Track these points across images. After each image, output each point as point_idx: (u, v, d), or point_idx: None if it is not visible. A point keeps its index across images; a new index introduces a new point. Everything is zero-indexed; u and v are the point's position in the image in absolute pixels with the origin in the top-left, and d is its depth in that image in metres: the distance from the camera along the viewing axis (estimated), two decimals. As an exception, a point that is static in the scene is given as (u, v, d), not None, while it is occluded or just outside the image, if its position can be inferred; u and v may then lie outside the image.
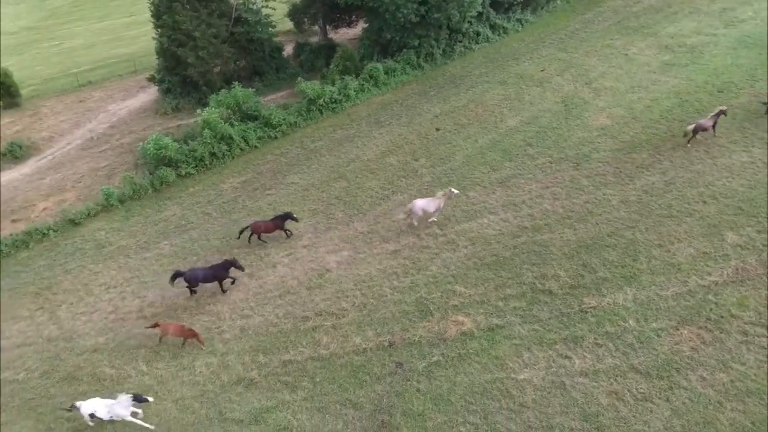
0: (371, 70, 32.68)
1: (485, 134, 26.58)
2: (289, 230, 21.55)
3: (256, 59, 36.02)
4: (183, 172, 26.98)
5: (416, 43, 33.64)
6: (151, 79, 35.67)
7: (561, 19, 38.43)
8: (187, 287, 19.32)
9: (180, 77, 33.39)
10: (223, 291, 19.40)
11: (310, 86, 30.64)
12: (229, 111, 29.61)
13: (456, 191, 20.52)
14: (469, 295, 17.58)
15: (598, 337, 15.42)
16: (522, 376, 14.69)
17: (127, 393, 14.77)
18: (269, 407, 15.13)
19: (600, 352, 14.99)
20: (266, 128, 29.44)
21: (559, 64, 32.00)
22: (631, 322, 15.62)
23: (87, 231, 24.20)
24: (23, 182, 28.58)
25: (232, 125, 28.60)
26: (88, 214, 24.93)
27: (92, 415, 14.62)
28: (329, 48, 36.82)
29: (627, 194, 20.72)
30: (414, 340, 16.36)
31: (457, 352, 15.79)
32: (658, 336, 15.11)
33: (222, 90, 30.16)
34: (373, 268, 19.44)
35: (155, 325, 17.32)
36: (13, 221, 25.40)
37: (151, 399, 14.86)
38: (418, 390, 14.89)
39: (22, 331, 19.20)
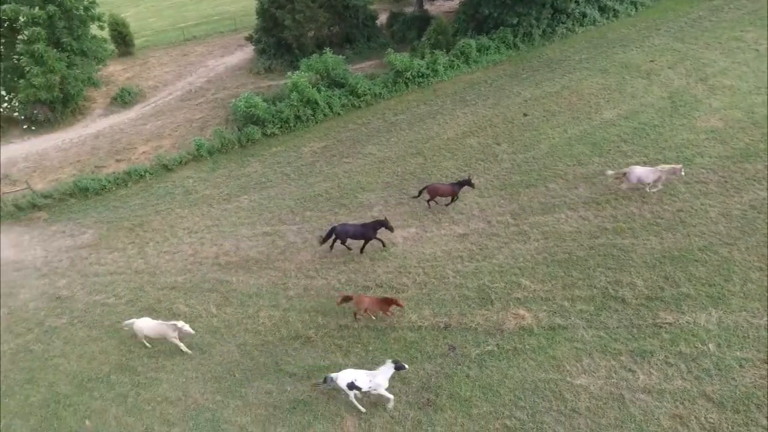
0: (463, 46, 31.73)
1: (576, 125, 25.07)
2: (457, 196, 20.86)
3: (350, 26, 36.21)
4: (268, 132, 28.07)
5: (515, 21, 32.07)
6: (249, 39, 37.09)
7: (683, 5, 34.79)
8: (333, 242, 19.35)
9: (275, 39, 34.43)
10: (362, 251, 19.30)
11: (399, 58, 30.38)
12: (318, 76, 30.18)
13: (683, 172, 19.03)
14: (534, 290, 16.98)
15: (670, 355, 14.33)
16: (578, 381, 14.07)
17: (389, 361, 13.78)
18: (322, 366, 15.70)
19: (669, 372, 13.96)
20: (351, 96, 29.73)
21: (673, 55, 29.18)
22: (711, 346, 14.34)
23: (177, 177, 26.03)
24: (128, 126, 31.16)
25: (319, 90, 29.17)
26: (180, 161, 26.78)
27: (351, 386, 13.67)
28: (423, 20, 36.14)
29: (729, 207, 18.76)
30: (470, 327, 16.16)
31: (513, 346, 15.40)
32: (741, 366, 13.76)
33: (313, 55, 30.73)
34: (439, 248, 19.28)
35: (347, 299, 16.31)
36: (117, 161, 27.90)
37: (407, 366, 14.00)
38: (467, 376, 14.76)
39: (115, 260, 21.25)
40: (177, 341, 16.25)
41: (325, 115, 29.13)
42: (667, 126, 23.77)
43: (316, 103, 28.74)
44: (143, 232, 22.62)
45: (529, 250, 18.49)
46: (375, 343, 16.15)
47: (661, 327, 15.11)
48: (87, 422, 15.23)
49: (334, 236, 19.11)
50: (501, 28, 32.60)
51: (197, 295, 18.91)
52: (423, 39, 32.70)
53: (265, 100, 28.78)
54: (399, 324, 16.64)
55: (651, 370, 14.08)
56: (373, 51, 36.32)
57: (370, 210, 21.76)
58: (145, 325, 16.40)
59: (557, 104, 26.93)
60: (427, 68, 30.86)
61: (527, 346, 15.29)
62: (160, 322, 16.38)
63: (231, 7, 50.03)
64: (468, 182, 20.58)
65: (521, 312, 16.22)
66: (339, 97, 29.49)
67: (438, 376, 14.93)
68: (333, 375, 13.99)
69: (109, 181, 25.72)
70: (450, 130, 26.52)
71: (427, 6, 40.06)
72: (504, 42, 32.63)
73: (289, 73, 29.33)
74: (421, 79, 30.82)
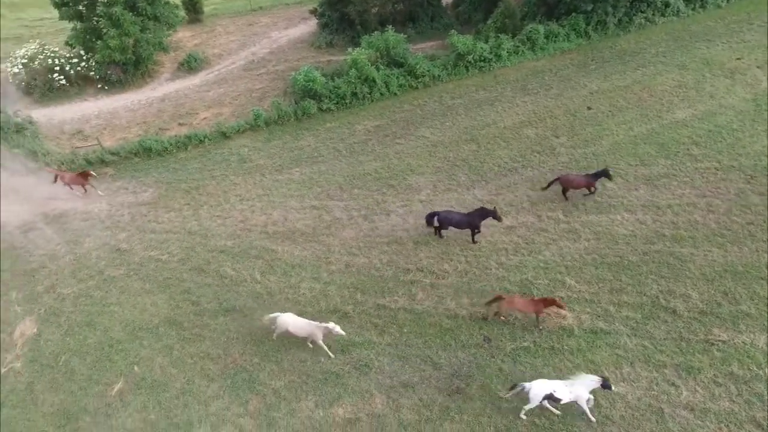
0: (530, 31, 30.50)
1: (644, 123, 23.70)
2: (595, 187, 19.71)
3: (414, 4, 35.56)
4: (324, 107, 28.30)
5: (589, 7, 30.39)
6: (313, 12, 37.25)
7: (781, -2, 31.75)
8: (435, 228, 18.94)
9: (339, 13, 34.37)
10: (474, 241, 18.72)
11: (462, 40, 29.62)
12: (378, 54, 29.96)
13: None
14: (579, 291, 16.44)
15: (720, 375, 13.57)
16: (616, 389, 13.61)
17: (595, 376, 12.83)
18: (356, 342, 16.00)
19: (717, 392, 13.24)
20: (409, 77, 29.38)
21: (764, 53, 26.84)
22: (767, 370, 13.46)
23: (234, 145, 26.84)
24: (192, 91, 32.27)
25: (377, 69, 29.00)
26: (238, 130, 27.56)
27: (549, 397, 12.77)
28: (491, 2, 34.84)
29: (807, 225, 17.30)
30: (508, 321, 15.91)
31: (550, 344, 15.07)
32: (799, 395, 12.85)
33: (375, 32, 30.49)
34: (484, 238, 18.97)
35: (497, 298, 15.47)
36: (180, 124, 29.04)
37: (615, 388, 12.91)
38: (500, 369, 14.61)
39: (171, 220, 22.32)
40: (322, 343, 15.36)
41: (381, 94, 28.99)
42: (747, 131, 22.05)
43: (374, 81, 28.62)
44: (198, 195, 23.57)
45: (578, 250, 17.86)
46: (410, 326, 16.25)
47: (713, 344, 14.30)
48: (135, 368, 16.30)
49: (437, 223, 18.51)
50: (573, 14, 31.03)
51: (244, 261, 19.61)
52: (489, 22, 31.65)
53: (323, 75, 28.96)
54: (436, 310, 16.62)
55: (696, 387, 13.41)
56: (435, 31, 35.57)
57: (418, 193, 21.65)
58: (291, 320, 15.48)
59: (625, 99, 25.51)
60: (490, 52, 29.94)
61: (565, 347, 14.92)
62: (308, 321, 15.41)
63: (298, -20, 50.35)
64: (605, 173, 19.23)
65: (563, 312, 15.78)
66: (397, 77, 29.22)
67: (470, 365, 14.87)
68: (526, 384, 12.88)
69: (171, 144, 26.85)
70: (507, 118, 25.76)
71: (496, -13, 38.65)
72: (575, 29, 31.08)
73: (349, 50, 29.29)
74: (482, 64, 29.98)
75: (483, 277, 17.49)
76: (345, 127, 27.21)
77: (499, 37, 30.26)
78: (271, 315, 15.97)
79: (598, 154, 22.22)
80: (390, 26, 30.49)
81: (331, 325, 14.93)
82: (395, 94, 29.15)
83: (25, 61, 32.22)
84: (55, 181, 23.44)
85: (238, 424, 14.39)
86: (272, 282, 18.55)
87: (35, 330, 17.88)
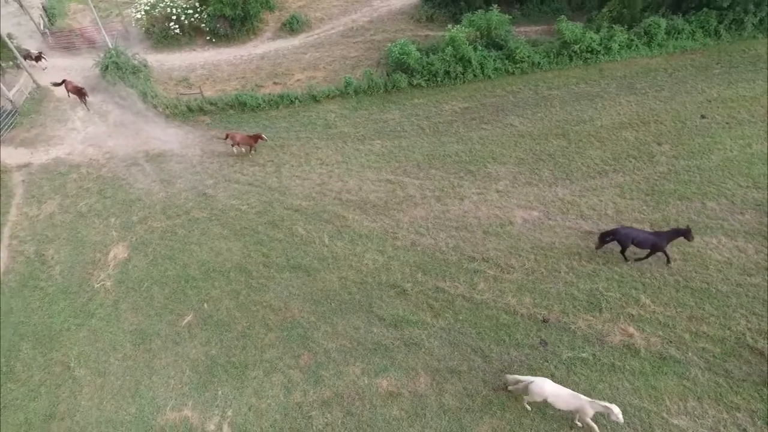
0: (650, 25, 27.90)
1: (766, 141, 21.15)
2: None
3: (525, -16, 33.80)
4: (414, 82, 28.01)
5: (726, 3, 27.07)
6: (419, -16, 36.56)
7: None
8: (608, 241, 16.85)
9: (444, -13, 33.53)
10: (668, 263, 16.57)
11: (571, 28, 27.79)
12: (478, 33, 28.99)
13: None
14: (653, 311, 15.33)
15: (803, 432, 12.21)
16: (676, 421, 12.73)
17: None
18: (410, 320, 16.14)
19: (795, 449, 11.95)
20: (506, 61, 28.20)
21: None
22: None
23: (322, 109, 27.45)
24: (290, 52, 33.23)
25: (475, 49, 28.10)
26: (328, 95, 28.10)
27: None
28: (609, -12, 32.29)
29: None
30: (569, 328, 15.25)
31: (611, 361, 14.29)
32: None
33: (479, 10, 29.43)
34: (558, 239, 18.14)
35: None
36: (274, 83, 30.12)
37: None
38: (552, 375, 14.12)
39: (254, 173, 23.46)
40: (592, 423, 12.42)
41: (474, 75, 28.14)
42: None
43: (469, 61, 27.79)
44: (282, 153, 24.51)
45: (661, 268, 16.58)
46: (466, 314, 16.08)
47: (801, 397, 12.84)
48: (205, 305, 17.61)
49: (611, 238, 16.68)
50: (705, 9, 27.86)
51: (315, 223, 20.26)
52: (604, 10, 29.35)
53: (419, 50, 28.56)
54: (495, 303, 16.29)
55: (771, 439, 12.18)
56: (543, 15, 33.64)
57: (496, 183, 21.03)
58: (551, 389, 12.59)
59: (749, 112, 22.85)
60: (600, 44, 27.89)
61: (627, 367, 14.09)
62: (574, 393, 12.49)
63: (409, -51, 49.49)
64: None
65: (631, 330, 14.86)
66: (494, 60, 28.15)
67: (521, 365, 14.51)
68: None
69: (264, 101, 28.00)
70: (606, 117, 24.07)
71: (618, -27, 35.62)
72: (703, 27, 27.98)
73: (449, 26, 28.55)
74: (588, 55, 28.05)
75: (550, 278, 16.82)
76: (432, 105, 26.83)
77: (612, 27, 28.06)
78: (519, 377, 13.28)
79: (703, 169, 20.24)
80: (495, 5, 29.26)
81: (611, 406, 11.88)
82: (489, 77, 28.17)
83: (148, 8, 34.74)
84: (226, 138, 24.27)
85: (287, 374, 15.18)
86: (338, 247, 19.05)
87: (126, 255, 19.81)
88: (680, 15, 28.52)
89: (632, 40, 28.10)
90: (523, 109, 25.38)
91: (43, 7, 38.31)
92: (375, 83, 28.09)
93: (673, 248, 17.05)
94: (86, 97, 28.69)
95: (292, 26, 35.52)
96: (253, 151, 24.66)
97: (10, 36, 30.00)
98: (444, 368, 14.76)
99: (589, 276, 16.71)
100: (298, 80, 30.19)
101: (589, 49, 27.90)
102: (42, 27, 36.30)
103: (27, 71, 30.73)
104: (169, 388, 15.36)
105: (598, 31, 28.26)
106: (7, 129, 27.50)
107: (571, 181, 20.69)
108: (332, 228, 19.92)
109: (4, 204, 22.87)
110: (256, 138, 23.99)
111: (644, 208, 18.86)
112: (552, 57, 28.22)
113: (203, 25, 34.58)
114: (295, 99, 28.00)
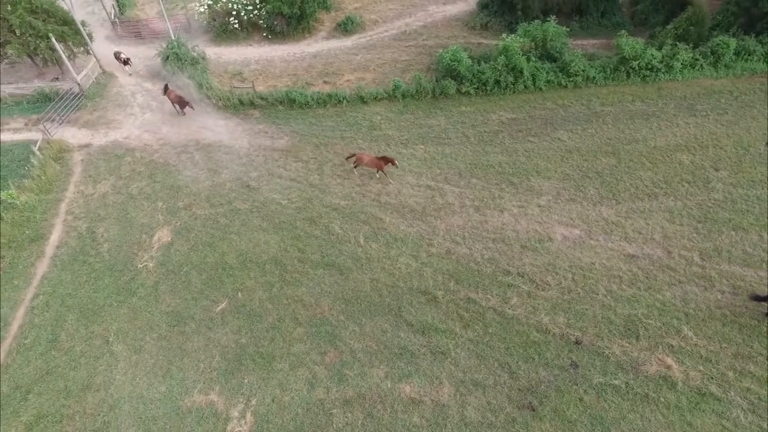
0: (718, 44, 26.55)
1: (835, 174, 19.77)
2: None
3: (585, -4, 32.92)
4: (463, 90, 27.79)
5: (809, 24, 25.36)
6: (476, -9, 36.30)
7: None
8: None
9: (502, -5, 33.14)
10: None
11: (631, 43, 26.84)
12: (532, 44, 28.46)
13: None
14: (695, 344, 14.59)
15: None
16: (711, 465, 12.04)
17: None
18: (438, 328, 16.01)
19: None
20: (560, 73, 27.54)
21: None
22: None
23: (368, 111, 27.67)
24: (342, 53, 33.68)
25: (528, 60, 27.61)
26: (375, 97, 28.30)
27: None
28: (677, 3, 30.85)
29: None
30: (603, 353, 14.72)
31: (644, 391, 13.69)
32: None
33: (536, 20, 28.91)
34: (599, 260, 17.56)
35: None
36: (324, 82, 30.61)
37: None
38: (580, 399, 13.68)
39: (297, 169, 23.91)
40: None
41: (525, 86, 27.64)
42: None
43: (521, 72, 27.33)
44: (326, 152, 24.86)
45: (707, 300, 15.76)
46: (496, 328, 15.81)
47: None
48: (239, 294, 18.08)
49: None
50: (779, 31, 26.29)
51: (352, 223, 20.43)
52: (669, 26, 28.15)
53: (470, 57, 28.33)
54: (527, 320, 15.93)
55: (817, 495, 11.33)
56: (603, 29, 32.68)
57: (538, 197, 20.58)
58: None
59: (818, 142, 21.42)
60: (661, 61, 26.80)
61: (662, 399, 13.47)
62: None
63: (468, -44, 49.25)
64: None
65: (669, 361, 14.20)
66: (547, 72, 27.56)
67: (549, 385, 14.12)
68: None
69: (313, 99, 28.50)
70: (661, 138, 23.11)
71: (686, -11, 34.09)
72: (775, 49, 26.46)
73: (504, 35, 28.17)
74: (647, 72, 27.02)
75: (587, 299, 16.30)
76: (479, 113, 26.55)
77: (676, 45, 26.93)
78: None
79: (762, 199, 19.12)
80: (553, 16, 28.66)
81: None
82: (540, 89, 27.60)
83: (210, 2, 36.08)
84: (348, 158, 22.89)
85: (312, 370, 15.37)
86: (373, 249, 19.13)
87: (170, 239, 20.60)
88: (753, 35, 27.05)
89: (696, 60, 26.87)
90: (573, 124, 24.72)
91: (115, -3, 40.48)
92: (423, 88, 28.05)
93: (723, 280, 16.18)
94: (187, 107, 27.42)
95: (346, 27, 36.01)
96: (379, 173, 22.67)
97: (83, 23, 31.85)
98: (469, 380, 14.55)
99: (629, 301, 16.08)
100: (347, 80, 30.55)
101: (649, 66, 26.89)
102: (113, 16, 38.34)
103: (95, 57, 32.52)
104: (199, 371, 15.85)
105: (660, 48, 27.19)
106: (72, 110, 29.19)
107: (617, 201, 19.98)
108: (368, 229, 20.03)
109: (63, 181, 24.28)
110: (386, 161, 21.83)
111: (694, 235, 17.99)
112: (608, 72, 27.37)
113: (261, 21, 35.58)
114: (343, 99, 28.33)
